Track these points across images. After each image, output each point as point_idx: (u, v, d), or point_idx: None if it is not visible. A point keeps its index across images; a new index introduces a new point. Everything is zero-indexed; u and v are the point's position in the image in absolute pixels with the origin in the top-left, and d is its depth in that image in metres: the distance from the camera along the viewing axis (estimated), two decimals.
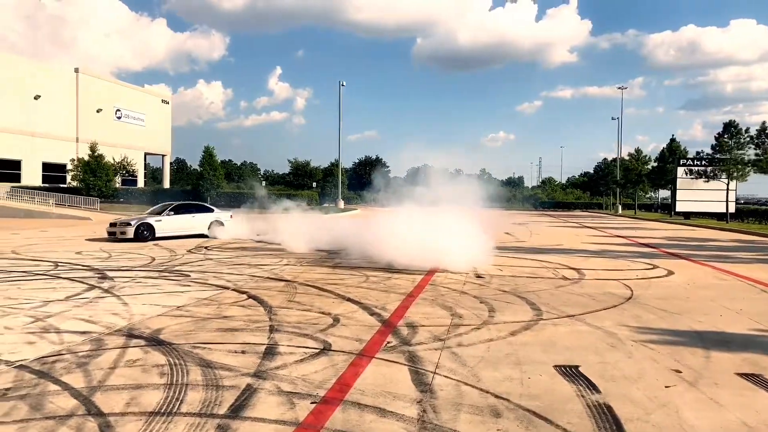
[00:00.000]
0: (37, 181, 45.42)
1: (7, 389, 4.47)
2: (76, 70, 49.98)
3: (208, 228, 20.55)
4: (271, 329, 6.59)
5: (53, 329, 6.47)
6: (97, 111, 51.60)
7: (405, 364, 5.28)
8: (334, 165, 56.37)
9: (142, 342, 5.95)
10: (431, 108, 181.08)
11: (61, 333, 6.29)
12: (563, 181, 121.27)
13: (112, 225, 18.91)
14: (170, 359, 5.31)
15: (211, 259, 13.86)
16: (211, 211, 21.88)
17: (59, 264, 12.63)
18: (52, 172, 47.34)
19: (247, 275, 11.05)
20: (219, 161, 39.38)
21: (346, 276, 11.07)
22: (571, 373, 5.09)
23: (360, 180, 68.97)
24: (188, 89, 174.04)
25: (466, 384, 4.73)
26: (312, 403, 4.25)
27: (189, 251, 15.69)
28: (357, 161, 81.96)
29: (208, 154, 37.96)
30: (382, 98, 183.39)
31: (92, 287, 9.46)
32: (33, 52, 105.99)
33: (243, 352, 5.63)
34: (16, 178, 44.03)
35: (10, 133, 43.07)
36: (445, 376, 4.92)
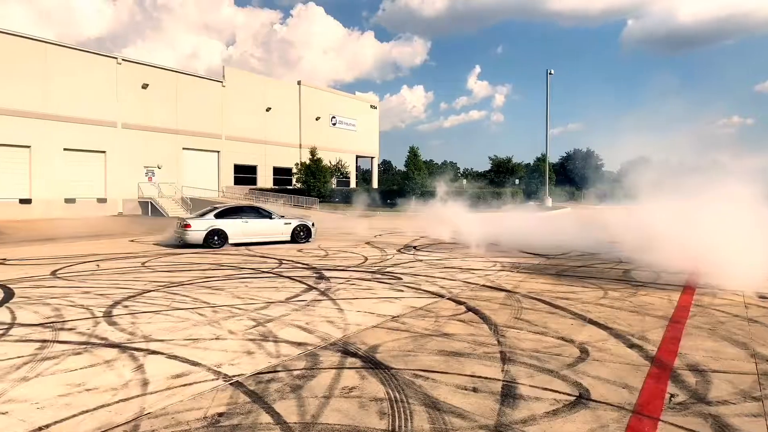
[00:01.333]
0: (269, 184, 51.45)
1: (221, 414, 3.99)
2: (299, 83, 55.47)
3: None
4: (503, 358, 5.36)
5: (272, 337, 6.15)
6: (316, 119, 56.58)
7: None
8: (541, 160, 53.17)
9: (358, 363, 5.21)
10: (645, 95, 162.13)
11: (278, 342, 5.92)
12: None
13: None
14: (389, 391, 4.42)
15: (421, 260, 13.22)
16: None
17: (283, 261, 13.19)
18: (280, 176, 53.22)
19: (461, 281, 10.02)
20: (422, 161, 39.77)
21: (578, 288, 9.33)
22: None
23: (568, 176, 64.41)
24: (393, 95, 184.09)
25: None
26: None
27: (399, 251, 15.37)
28: (565, 155, 76.52)
29: (412, 155, 38.61)
30: (587, 88, 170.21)
31: (310, 288, 9.36)
32: (267, 73, 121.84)
33: (474, 389, 4.49)
34: (253, 181, 50.45)
35: (249, 143, 49.47)
36: None
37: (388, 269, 11.71)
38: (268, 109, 51.05)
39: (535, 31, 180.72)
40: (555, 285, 9.64)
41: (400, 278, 10.43)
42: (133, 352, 5.61)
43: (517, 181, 52.95)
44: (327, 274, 11.05)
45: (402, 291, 9.07)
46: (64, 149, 35.01)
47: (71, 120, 35.33)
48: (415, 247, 16.39)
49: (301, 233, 18.48)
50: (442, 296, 8.58)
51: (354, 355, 5.46)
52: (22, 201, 32.56)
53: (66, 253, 15.25)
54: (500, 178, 59.09)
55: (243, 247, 16.82)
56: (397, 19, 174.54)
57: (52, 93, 34.24)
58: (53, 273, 11.41)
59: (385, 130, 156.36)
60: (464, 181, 59.74)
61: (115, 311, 7.59)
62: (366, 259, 13.56)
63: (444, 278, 10.40)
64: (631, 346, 5.78)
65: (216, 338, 6.15)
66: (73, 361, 5.30)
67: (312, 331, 6.43)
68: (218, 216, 17.34)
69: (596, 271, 11.25)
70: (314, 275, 10.90)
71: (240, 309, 7.69)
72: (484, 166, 70.92)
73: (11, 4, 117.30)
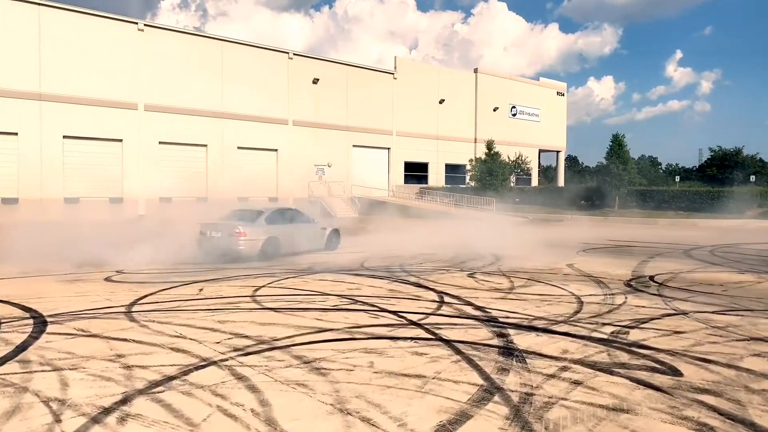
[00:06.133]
0: (440, 182, 47.51)
1: None
2: (475, 71, 50.54)
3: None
4: None
5: None
6: (494, 110, 51.15)
7: None
8: None
9: None
10: None
11: None
12: None
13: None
14: None
15: (685, 313, 7.53)
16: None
17: (444, 298, 8.58)
18: (453, 173, 48.95)
19: None
20: (629, 153, 31.98)
21: None
22: None
23: None
24: (578, 88, 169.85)
25: None
26: None
27: (629, 285, 9.74)
28: None
29: (617, 144, 31.04)
30: None
31: (489, 389, 4.58)
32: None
33: None
34: (424, 179, 46.94)
35: (420, 138, 46.12)
36: None
37: (633, 334, 6.37)
38: (441, 101, 47.11)
39: (751, 6, 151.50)
40: None
41: (677, 371, 5.08)
42: None
43: (752, 178, 41.34)
44: (517, 340, 6.14)
45: None
46: (238, 147, 34.94)
47: (245, 118, 35.15)
48: (653, 278, 10.54)
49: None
50: None
51: None
52: (199, 199, 32.98)
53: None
54: (724, 174, 47.43)
55: (399, 265, 12.61)
56: (585, 8, 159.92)
57: (227, 91, 34.30)
58: (132, 304, 8.31)
59: (569, 125, 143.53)
60: (677, 177, 49.07)
61: None
62: (580, 303, 8.26)
63: None
64: None
65: None
66: None
67: None
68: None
69: None
70: (494, 342, 6.07)
71: None
72: (689, 161, 58.71)
73: (231, 25, 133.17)
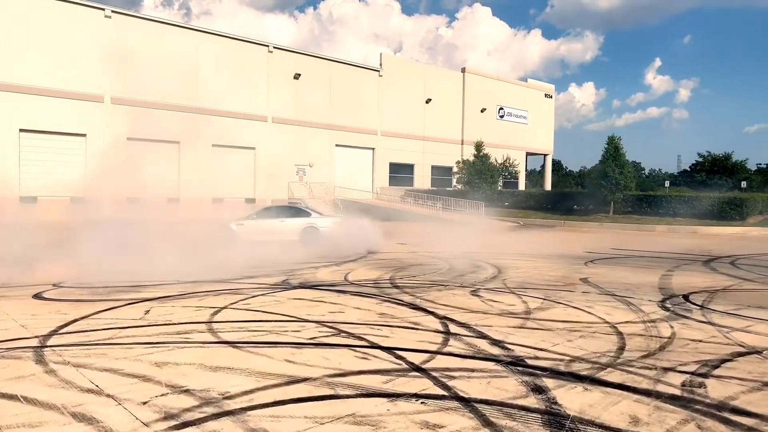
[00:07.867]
0: (427, 184, 45.95)
1: None
2: (463, 70, 49.09)
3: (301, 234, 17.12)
4: None
5: None
6: (481, 111, 49.76)
7: None
8: None
9: None
10: None
11: None
12: None
13: None
14: None
15: (758, 351, 5.96)
16: (308, 215, 17.98)
17: (450, 327, 6.91)
18: (439, 176, 47.45)
19: None
20: (626, 156, 30.68)
21: None
22: None
23: None
24: (560, 94, 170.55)
25: None
26: None
27: (664, 306, 8.17)
28: None
29: (613, 147, 29.79)
30: None
31: None
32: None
33: None
34: (409, 182, 45.33)
35: (406, 139, 44.51)
36: None
37: (711, 386, 4.75)
38: (428, 101, 45.58)
39: (733, 17, 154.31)
40: None
41: None
42: None
43: (743, 184, 40.54)
44: (561, 397, 4.47)
45: None
46: (213, 145, 32.89)
47: (220, 114, 33.11)
48: (688, 298, 8.97)
49: None
50: None
51: None
52: (170, 200, 30.86)
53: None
54: (713, 180, 46.71)
55: (389, 278, 10.90)
56: (568, 15, 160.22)
57: (202, 85, 32.26)
58: (50, 334, 6.47)
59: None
60: (667, 183, 48.19)
61: None
62: (620, 335, 6.62)
63: None
64: None
65: None
66: None
67: None
68: None
69: None
70: (531, 401, 4.40)
71: None
72: (668, 166, 58.08)
73: (214, 23, 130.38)
